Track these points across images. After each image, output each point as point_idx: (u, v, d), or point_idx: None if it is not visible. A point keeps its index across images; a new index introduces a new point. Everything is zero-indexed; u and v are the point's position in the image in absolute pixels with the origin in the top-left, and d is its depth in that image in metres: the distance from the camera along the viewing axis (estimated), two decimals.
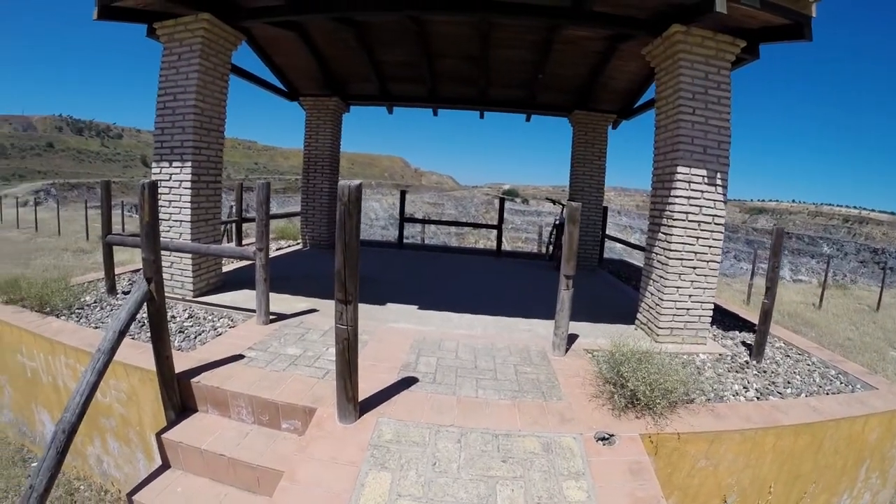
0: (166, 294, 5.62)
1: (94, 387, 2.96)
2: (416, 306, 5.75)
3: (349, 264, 3.05)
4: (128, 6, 5.06)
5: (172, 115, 5.38)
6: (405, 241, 11.17)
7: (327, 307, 5.40)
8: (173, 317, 5.02)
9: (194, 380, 3.67)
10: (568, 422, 3.37)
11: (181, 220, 5.49)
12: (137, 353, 3.99)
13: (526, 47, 7.01)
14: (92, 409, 3.13)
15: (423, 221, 13.65)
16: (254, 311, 4.93)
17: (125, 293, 5.86)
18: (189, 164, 5.33)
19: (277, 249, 9.64)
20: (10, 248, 15.99)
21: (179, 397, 3.64)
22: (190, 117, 5.29)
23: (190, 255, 5.48)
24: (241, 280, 6.26)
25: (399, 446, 3.04)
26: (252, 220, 9.40)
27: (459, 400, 3.59)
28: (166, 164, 5.48)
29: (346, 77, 8.93)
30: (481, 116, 9.92)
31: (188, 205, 5.41)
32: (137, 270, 7.01)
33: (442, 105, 9.63)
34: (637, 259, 12.42)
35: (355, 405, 3.22)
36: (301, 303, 5.65)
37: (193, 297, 5.61)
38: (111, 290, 5.75)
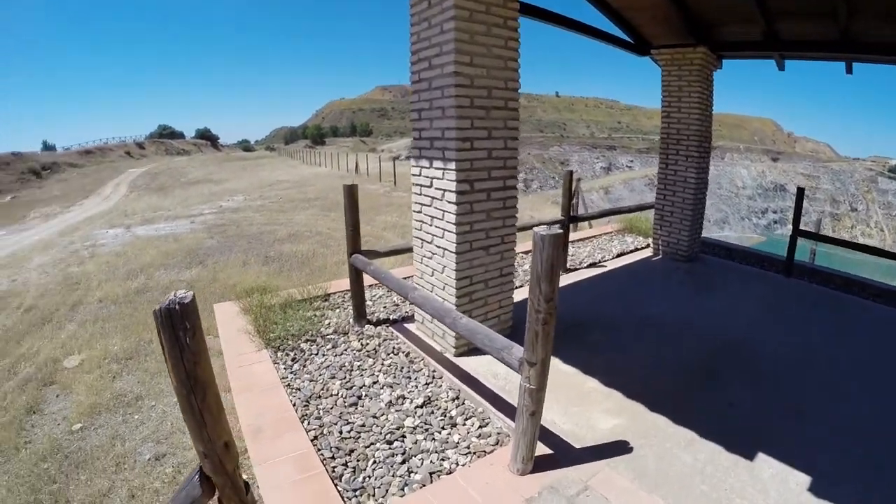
0: (425, 339, 4.15)
1: None
2: None
3: None
4: None
5: (429, 89, 3.51)
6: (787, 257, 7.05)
7: (653, 435, 2.92)
8: (402, 398, 3.40)
9: None
10: None
11: (444, 249, 3.67)
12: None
13: None
14: None
15: (825, 239, 8.28)
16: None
17: (377, 324, 4.48)
18: (453, 164, 3.40)
19: (619, 255, 7.22)
20: (364, 203, 17.32)
21: None
22: (450, 92, 3.30)
23: (454, 289, 3.65)
24: None
25: None
26: (586, 217, 7.24)
27: None
28: (426, 164, 3.69)
29: (713, 17, 5.77)
30: None
31: (452, 226, 3.53)
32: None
33: (861, 56, 5.51)
34: None
35: None
36: (606, 417, 3.17)
37: (455, 354, 3.82)
38: (359, 316, 4.48)
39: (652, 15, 5.90)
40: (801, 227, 6.43)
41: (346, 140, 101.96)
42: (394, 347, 4.13)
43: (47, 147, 61.02)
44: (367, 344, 4.19)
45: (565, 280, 5.83)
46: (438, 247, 3.70)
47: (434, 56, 3.39)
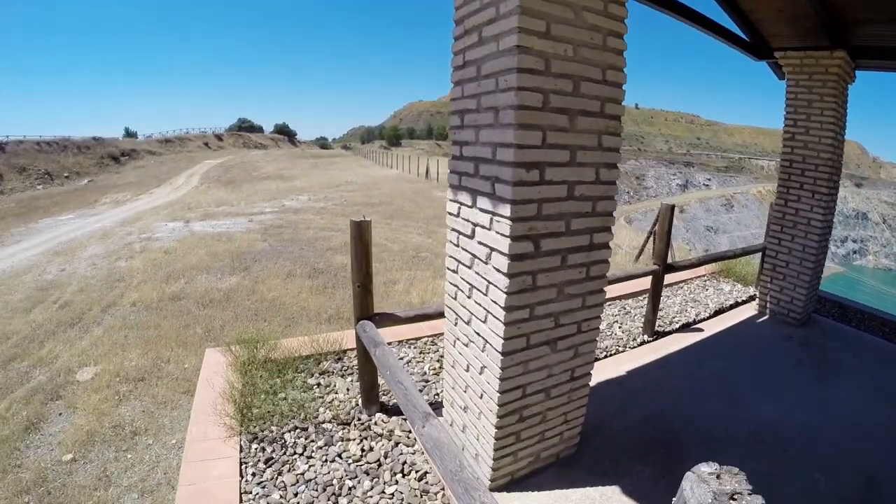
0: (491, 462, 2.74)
1: None
2: None
3: None
4: None
5: (476, 78, 2.12)
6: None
7: None
8: None
9: None
10: None
11: (486, 340, 2.26)
12: None
13: None
14: None
15: None
16: None
17: (391, 411, 3.15)
18: (507, 206, 2.01)
19: (716, 313, 5.59)
20: (429, 211, 16.53)
21: None
22: (509, 80, 1.90)
23: (496, 405, 2.26)
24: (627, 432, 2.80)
25: None
26: (685, 266, 5.53)
27: None
28: (466, 199, 2.31)
29: (856, 13, 4.21)
30: None
31: (500, 310, 2.13)
32: (436, 336, 4.44)
33: None
34: None
35: None
36: None
37: (492, 487, 2.47)
38: (368, 401, 3.21)
39: (779, 8, 4.36)
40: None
41: (421, 142, 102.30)
42: (405, 463, 2.80)
43: (129, 134, 63.53)
44: (370, 451, 2.90)
45: (652, 353, 4.39)
46: (478, 333, 2.32)
47: (486, 23, 2.00)
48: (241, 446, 2.93)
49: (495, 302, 2.12)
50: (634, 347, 4.56)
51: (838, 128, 4.90)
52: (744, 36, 5.03)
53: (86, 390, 4.85)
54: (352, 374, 3.78)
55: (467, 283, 2.36)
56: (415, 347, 4.25)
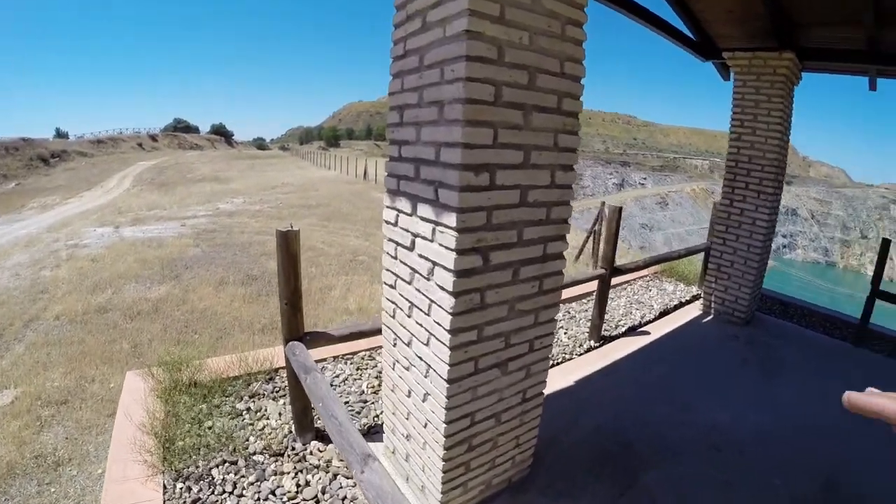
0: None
1: None
2: None
3: None
4: None
5: (418, 69, 1.88)
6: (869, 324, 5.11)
7: None
8: None
9: None
10: None
11: (429, 366, 2.01)
12: None
13: None
14: None
15: None
16: None
17: (328, 438, 2.84)
18: (452, 215, 1.76)
19: (662, 314, 5.60)
20: (366, 213, 16.21)
21: None
22: (456, 70, 1.66)
23: (442, 436, 2.01)
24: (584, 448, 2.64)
25: None
26: (631, 268, 5.36)
27: None
28: (405, 206, 2.04)
29: (806, 15, 4.32)
30: None
31: (444, 333, 1.88)
32: (374, 350, 4.18)
33: None
34: None
35: None
36: None
37: None
38: (302, 429, 2.89)
39: (729, 9, 4.40)
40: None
41: (360, 143, 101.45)
42: (345, 498, 2.50)
43: (60, 134, 60.30)
44: (307, 485, 2.59)
45: (600, 359, 4.27)
46: (420, 357, 2.06)
47: (432, 6, 1.75)
48: (164, 486, 2.57)
49: (439, 323, 1.87)
50: (581, 354, 4.44)
51: (784, 128, 4.97)
52: (691, 36, 5.04)
53: (5, 416, 4.54)
54: (284, 395, 3.44)
55: (406, 300, 2.10)
56: (351, 363, 3.93)
